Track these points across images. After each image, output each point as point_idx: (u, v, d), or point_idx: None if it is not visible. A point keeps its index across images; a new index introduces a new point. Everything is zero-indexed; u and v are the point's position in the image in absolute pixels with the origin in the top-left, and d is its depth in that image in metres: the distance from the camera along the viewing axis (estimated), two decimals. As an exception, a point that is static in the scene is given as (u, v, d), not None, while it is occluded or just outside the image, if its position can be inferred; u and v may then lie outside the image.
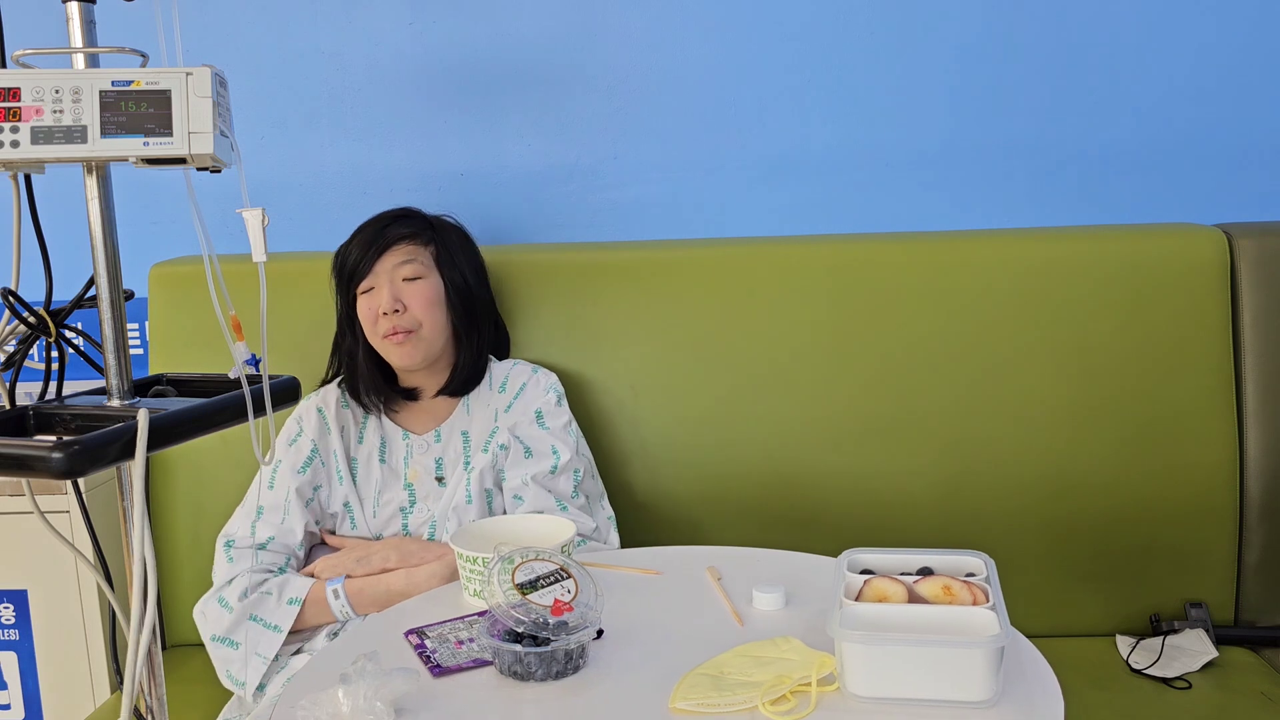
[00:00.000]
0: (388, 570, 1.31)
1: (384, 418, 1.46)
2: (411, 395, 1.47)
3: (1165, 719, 1.31)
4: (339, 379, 1.49)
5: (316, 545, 1.42)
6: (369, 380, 1.45)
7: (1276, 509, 1.51)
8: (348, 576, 1.31)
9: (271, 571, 1.34)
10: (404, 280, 1.41)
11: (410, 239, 1.44)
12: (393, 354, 1.41)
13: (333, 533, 1.42)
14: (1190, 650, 1.44)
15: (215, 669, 1.33)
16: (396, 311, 1.39)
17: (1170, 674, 1.39)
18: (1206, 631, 1.47)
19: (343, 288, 1.46)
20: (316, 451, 1.41)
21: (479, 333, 1.47)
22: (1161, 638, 1.47)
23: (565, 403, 1.46)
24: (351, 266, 1.43)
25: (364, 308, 1.42)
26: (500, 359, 1.53)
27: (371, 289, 1.42)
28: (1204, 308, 1.51)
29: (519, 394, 1.46)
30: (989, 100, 1.74)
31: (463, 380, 1.46)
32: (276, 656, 1.29)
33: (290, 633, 1.29)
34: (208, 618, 1.32)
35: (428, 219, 1.49)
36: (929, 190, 1.77)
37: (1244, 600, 1.52)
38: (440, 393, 1.46)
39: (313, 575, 1.34)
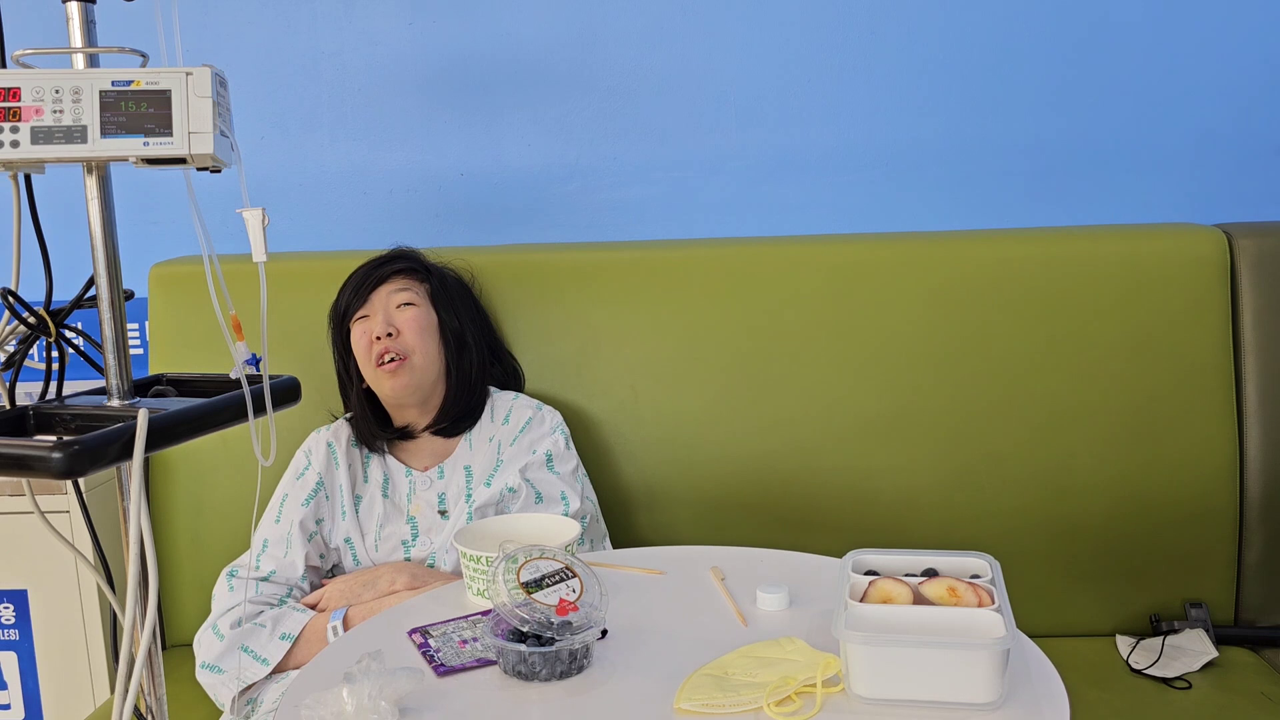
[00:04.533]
0: (395, 592, 1.30)
1: (387, 456, 1.46)
2: (406, 435, 1.46)
3: (1165, 719, 1.31)
4: (351, 415, 1.49)
5: (325, 576, 1.42)
6: (363, 422, 1.45)
7: (1276, 509, 1.51)
8: (350, 606, 1.30)
9: (271, 603, 1.33)
10: (398, 307, 1.41)
11: (406, 273, 1.46)
12: (384, 383, 1.40)
13: (332, 574, 1.42)
14: (1190, 650, 1.44)
15: (207, 694, 1.33)
16: (390, 335, 1.39)
17: (1170, 674, 1.39)
18: (1206, 631, 1.47)
19: (337, 324, 1.47)
20: (321, 485, 1.41)
21: (473, 372, 1.46)
22: (1161, 638, 1.47)
23: (572, 444, 1.46)
24: (346, 302, 1.45)
25: (357, 334, 1.42)
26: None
27: (365, 316, 1.42)
28: (1204, 308, 1.52)
29: (524, 429, 1.44)
30: (989, 100, 1.74)
31: (453, 419, 1.45)
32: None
33: (278, 669, 1.28)
34: (202, 645, 1.32)
35: (424, 261, 1.50)
36: (929, 190, 1.77)
37: (1244, 600, 1.52)
38: (428, 429, 1.45)
39: (316, 604, 1.34)
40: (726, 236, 1.73)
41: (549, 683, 0.91)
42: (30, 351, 0.88)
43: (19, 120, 0.76)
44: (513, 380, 1.57)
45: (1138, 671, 1.41)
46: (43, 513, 0.88)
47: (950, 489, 1.53)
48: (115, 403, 0.83)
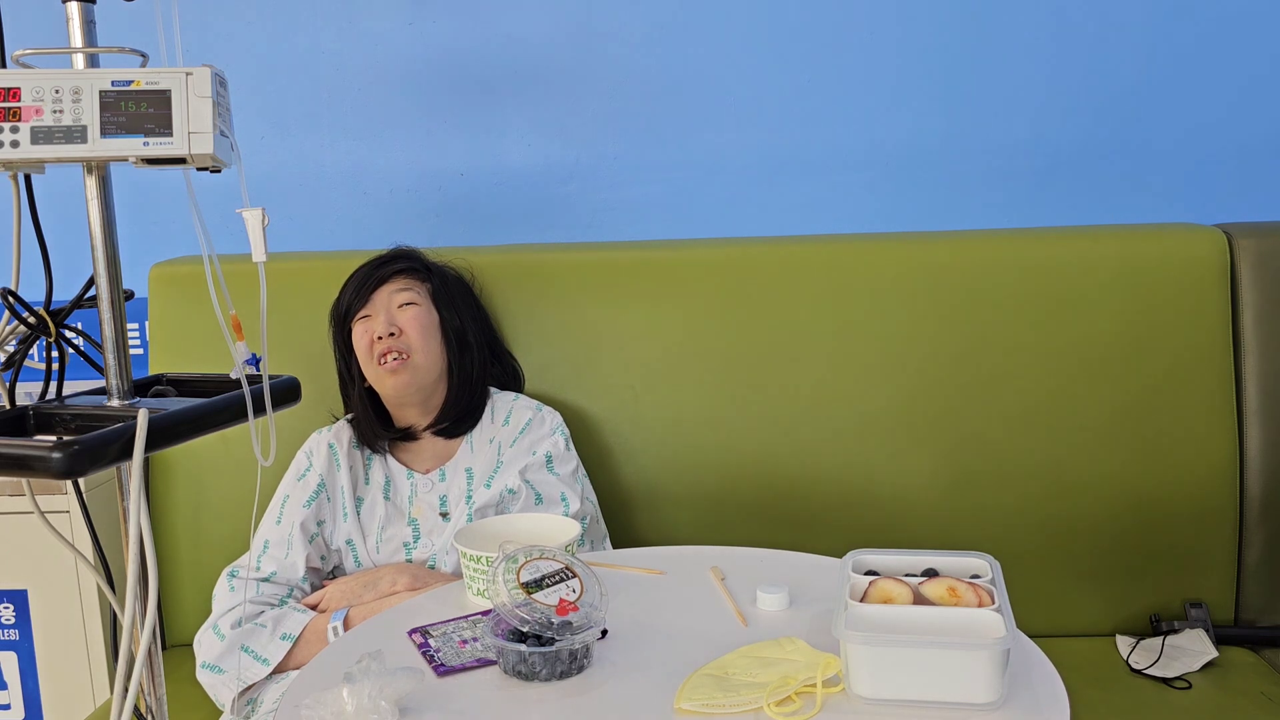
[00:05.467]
0: (396, 593, 1.30)
1: (389, 457, 1.46)
2: (408, 436, 1.46)
3: (1165, 719, 1.31)
4: (353, 416, 1.49)
5: (326, 577, 1.42)
6: (364, 423, 1.45)
7: (1276, 509, 1.51)
8: (352, 607, 1.30)
9: (271, 603, 1.33)
10: (399, 306, 1.42)
11: (407, 273, 1.46)
12: (386, 382, 1.40)
13: (332, 575, 1.42)
14: (1190, 650, 1.44)
15: (208, 694, 1.33)
16: (392, 335, 1.39)
17: (1170, 674, 1.39)
18: (1206, 631, 1.47)
19: (338, 324, 1.47)
20: (323, 486, 1.41)
21: (474, 372, 1.46)
22: (1161, 638, 1.47)
23: (572, 445, 1.46)
24: (348, 302, 1.45)
25: (359, 334, 1.43)
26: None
27: (367, 316, 1.42)
28: (1204, 308, 1.52)
29: (524, 430, 1.44)
30: (989, 100, 1.74)
31: (454, 419, 1.45)
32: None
33: (279, 669, 1.28)
34: (202, 646, 1.32)
35: (425, 260, 1.51)
36: (929, 190, 1.77)
37: (1244, 600, 1.52)
38: (429, 429, 1.45)
39: (317, 604, 1.34)
40: (726, 236, 1.73)
41: (549, 683, 0.91)
42: (30, 351, 0.88)
43: (19, 120, 0.76)
44: (513, 381, 1.57)
45: (1138, 671, 1.41)
46: (43, 513, 0.88)
47: (950, 489, 1.53)
48: (115, 403, 0.83)
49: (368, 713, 0.82)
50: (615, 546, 1.49)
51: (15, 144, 0.76)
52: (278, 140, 1.84)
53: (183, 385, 0.90)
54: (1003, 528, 1.52)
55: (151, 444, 0.75)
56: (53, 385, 0.89)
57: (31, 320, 0.86)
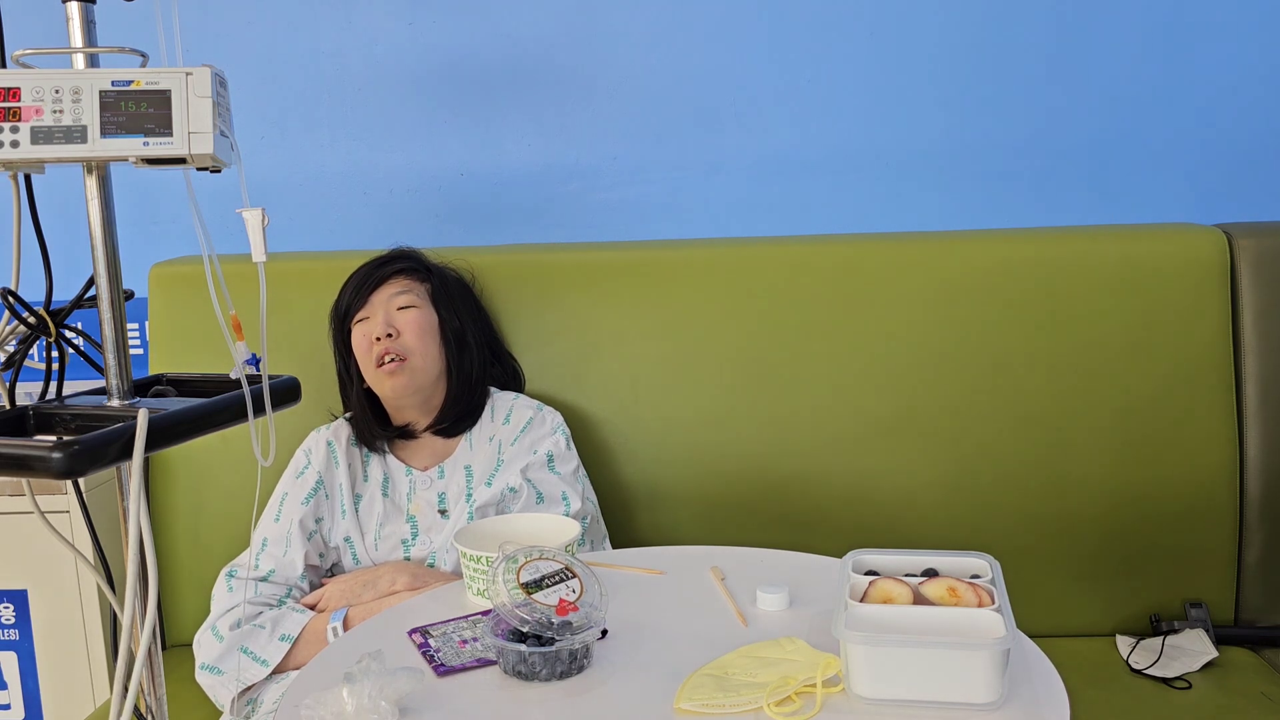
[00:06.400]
0: (395, 592, 1.30)
1: (388, 455, 1.46)
2: (407, 434, 1.46)
3: (1165, 719, 1.31)
4: (351, 415, 1.49)
5: (325, 575, 1.42)
6: (363, 421, 1.45)
7: (1276, 509, 1.51)
8: (351, 606, 1.30)
9: (270, 604, 1.33)
10: (398, 309, 1.42)
11: (406, 274, 1.46)
12: (384, 384, 1.40)
13: (331, 573, 1.42)
14: (1190, 650, 1.44)
15: (207, 695, 1.33)
16: (389, 336, 1.39)
17: (1170, 674, 1.39)
18: (1206, 631, 1.47)
19: (338, 324, 1.47)
20: (321, 484, 1.41)
21: (473, 372, 1.46)
22: (1161, 638, 1.47)
23: (573, 445, 1.46)
24: (347, 302, 1.45)
25: (358, 336, 1.43)
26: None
27: (366, 318, 1.42)
28: (1204, 308, 1.52)
29: (525, 429, 1.44)
30: (989, 100, 1.74)
31: (454, 419, 1.45)
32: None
33: (278, 669, 1.28)
34: (201, 647, 1.32)
35: (425, 260, 1.51)
36: (929, 190, 1.77)
37: (1244, 600, 1.52)
38: (429, 429, 1.45)
39: (316, 603, 1.34)
40: (726, 236, 1.73)
41: (549, 683, 0.91)
42: (30, 351, 0.88)
43: (19, 120, 0.76)
44: (513, 381, 1.57)
45: (1138, 671, 1.41)
46: (43, 513, 0.88)
47: (950, 489, 1.53)
48: (115, 403, 0.83)
49: (368, 713, 0.83)
50: (615, 546, 1.49)
51: (15, 144, 0.76)
52: (278, 140, 1.84)
53: (183, 385, 0.90)
54: (1003, 528, 1.52)
55: (151, 444, 0.75)
56: (53, 385, 0.89)
57: (31, 320, 0.86)
